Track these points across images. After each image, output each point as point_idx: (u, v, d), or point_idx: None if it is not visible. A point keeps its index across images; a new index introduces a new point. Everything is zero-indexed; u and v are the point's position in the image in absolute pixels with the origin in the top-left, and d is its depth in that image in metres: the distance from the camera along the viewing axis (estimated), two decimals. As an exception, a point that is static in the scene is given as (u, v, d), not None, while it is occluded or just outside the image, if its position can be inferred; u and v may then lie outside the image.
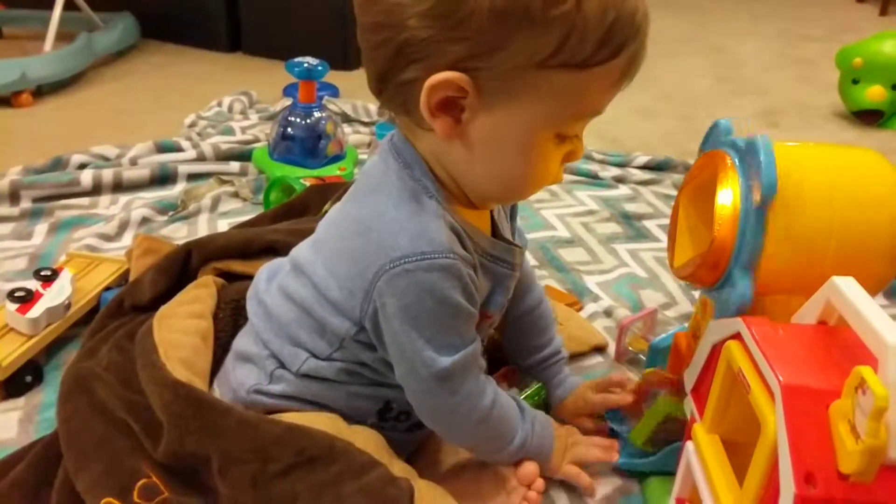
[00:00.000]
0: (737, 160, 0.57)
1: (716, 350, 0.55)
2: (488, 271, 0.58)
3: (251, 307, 0.65)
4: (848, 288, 0.46)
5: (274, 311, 0.61)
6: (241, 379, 0.62)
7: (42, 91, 1.78)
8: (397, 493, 0.53)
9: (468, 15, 0.45)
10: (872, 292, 0.56)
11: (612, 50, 0.47)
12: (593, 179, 1.33)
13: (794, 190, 0.54)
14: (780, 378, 0.43)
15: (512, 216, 0.66)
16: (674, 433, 0.65)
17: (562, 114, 0.50)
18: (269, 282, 0.64)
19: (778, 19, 3.06)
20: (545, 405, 0.72)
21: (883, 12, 3.15)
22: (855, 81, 1.72)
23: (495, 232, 0.61)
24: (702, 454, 0.53)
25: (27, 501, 0.60)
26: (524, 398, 0.70)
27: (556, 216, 1.19)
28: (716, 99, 1.96)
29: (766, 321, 0.49)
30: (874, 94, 1.67)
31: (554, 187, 1.30)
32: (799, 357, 0.45)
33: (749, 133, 0.55)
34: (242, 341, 0.65)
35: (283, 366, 0.61)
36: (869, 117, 1.73)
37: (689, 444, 0.56)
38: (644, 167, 1.38)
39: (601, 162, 1.41)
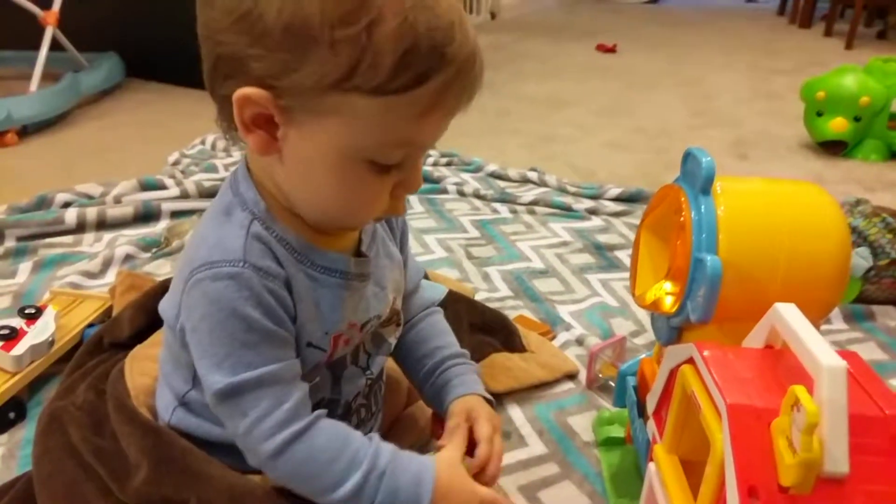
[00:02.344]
0: (691, 196, 0.60)
1: (673, 374, 0.58)
2: (317, 282, 0.56)
3: None
4: (788, 314, 0.49)
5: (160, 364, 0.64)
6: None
7: (27, 130, 1.81)
8: None
9: (263, 33, 0.46)
10: (819, 317, 0.59)
11: (410, 78, 0.46)
12: (567, 211, 1.37)
13: (743, 223, 0.58)
14: (726, 398, 0.46)
15: (402, 243, 0.67)
16: None
17: (368, 139, 0.49)
18: None
19: (750, 53, 3.17)
20: None
21: (848, 46, 3.27)
22: (819, 113, 1.78)
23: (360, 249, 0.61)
24: (662, 474, 0.56)
25: (10, 536, 0.61)
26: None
27: (530, 248, 1.22)
28: (689, 132, 2.02)
29: (717, 345, 0.52)
30: (837, 125, 1.74)
31: (529, 219, 1.34)
32: (745, 378, 0.48)
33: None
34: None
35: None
36: (834, 147, 1.80)
37: (651, 465, 0.59)
38: (616, 199, 1.42)
39: (575, 194, 1.45)
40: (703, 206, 0.58)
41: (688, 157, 0.62)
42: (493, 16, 4.08)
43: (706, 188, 0.59)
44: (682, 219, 0.59)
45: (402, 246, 0.68)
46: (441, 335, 0.70)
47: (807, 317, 0.49)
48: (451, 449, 0.59)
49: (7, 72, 2.22)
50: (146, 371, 0.67)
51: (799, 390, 0.41)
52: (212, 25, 0.49)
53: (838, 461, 0.42)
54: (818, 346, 0.45)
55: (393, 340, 0.66)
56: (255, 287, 0.51)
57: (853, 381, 0.47)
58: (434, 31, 0.46)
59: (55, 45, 2.03)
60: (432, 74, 0.47)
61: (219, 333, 0.52)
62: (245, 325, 0.51)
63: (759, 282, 0.57)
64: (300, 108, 0.48)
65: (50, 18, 2.01)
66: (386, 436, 0.67)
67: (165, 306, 0.59)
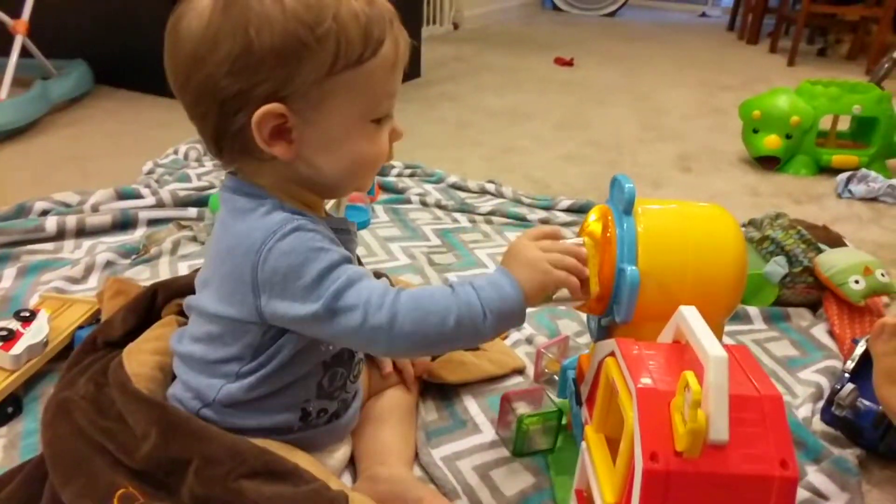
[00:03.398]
0: (616, 216, 0.71)
1: (601, 366, 0.68)
2: (337, 238, 0.67)
3: (175, 367, 0.75)
4: (689, 315, 0.60)
5: (187, 356, 0.72)
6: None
7: (-1, 138, 1.85)
8: (334, 496, 0.64)
9: (258, 62, 0.58)
10: (723, 316, 0.71)
11: (376, 43, 0.61)
12: (522, 221, 1.48)
13: (658, 238, 0.69)
14: (636, 383, 0.56)
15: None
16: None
17: (365, 103, 0.63)
18: (179, 339, 0.75)
19: (699, 69, 3.32)
20: (555, 430, 0.82)
21: (790, 62, 3.46)
22: (755, 131, 1.93)
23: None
24: (590, 450, 0.66)
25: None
26: (535, 417, 0.80)
27: (487, 255, 1.33)
28: (639, 146, 2.15)
29: (633, 341, 0.63)
30: (771, 142, 1.89)
31: (487, 229, 1.45)
32: (653, 367, 0.59)
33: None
34: (174, 390, 0.74)
35: (205, 404, 0.70)
36: (768, 163, 1.94)
37: (584, 444, 0.69)
38: (567, 210, 1.54)
39: (529, 205, 1.56)
40: (625, 225, 0.69)
41: (614, 182, 0.73)
42: (455, 26, 4.19)
43: (628, 210, 0.69)
44: (608, 235, 0.70)
45: None
46: None
47: (712, 316, 0.60)
48: None
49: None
50: (143, 362, 0.75)
51: (689, 375, 0.52)
52: (211, 79, 0.59)
53: (720, 431, 0.53)
54: (708, 341, 0.55)
55: None
56: (315, 229, 0.63)
57: (738, 368, 0.58)
58: (369, 4, 0.61)
59: (23, 52, 2.06)
60: (385, 35, 0.62)
61: (303, 273, 0.61)
62: (321, 255, 0.61)
63: (670, 288, 0.68)
64: (308, 104, 0.60)
65: (20, 27, 2.05)
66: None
67: (217, 307, 0.67)
